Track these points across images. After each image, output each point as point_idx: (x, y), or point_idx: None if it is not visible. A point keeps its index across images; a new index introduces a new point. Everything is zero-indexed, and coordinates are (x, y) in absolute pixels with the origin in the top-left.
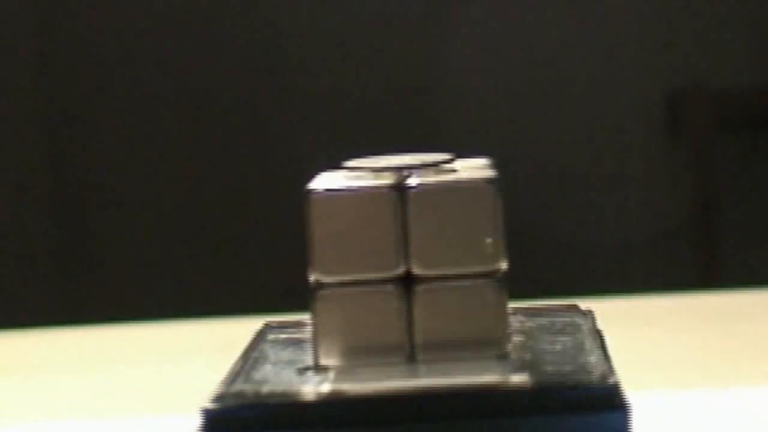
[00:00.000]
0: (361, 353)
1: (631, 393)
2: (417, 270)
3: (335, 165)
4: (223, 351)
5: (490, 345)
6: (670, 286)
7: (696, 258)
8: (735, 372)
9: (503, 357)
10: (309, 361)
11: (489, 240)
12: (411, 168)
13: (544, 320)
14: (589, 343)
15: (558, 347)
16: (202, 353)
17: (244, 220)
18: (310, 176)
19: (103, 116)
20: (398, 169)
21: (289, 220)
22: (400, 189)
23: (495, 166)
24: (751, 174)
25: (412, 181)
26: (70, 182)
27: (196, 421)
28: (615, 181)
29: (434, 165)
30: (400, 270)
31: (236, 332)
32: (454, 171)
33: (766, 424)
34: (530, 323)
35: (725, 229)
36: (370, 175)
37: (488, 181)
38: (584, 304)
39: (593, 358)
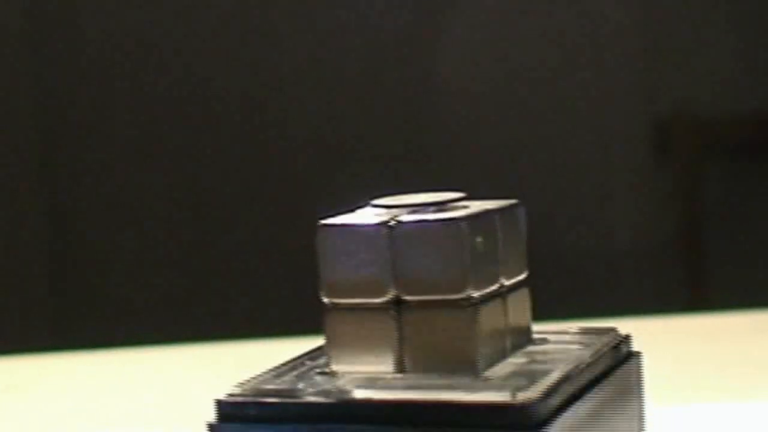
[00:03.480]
0: (359, 362)
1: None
2: (404, 296)
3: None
4: (221, 374)
5: (464, 364)
6: (658, 307)
7: (683, 279)
8: (724, 389)
9: (475, 375)
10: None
11: (479, 239)
12: (414, 207)
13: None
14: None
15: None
16: (199, 376)
17: (243, 248)
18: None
19: (104, 136)
20: (400, 208)
21: (286, 251)
22: (388, 227)
23: (516, 207)
24: (736, 197)
25: (399, 219)
26: (68, 207)
27: None
28: (604, 204)
29: (444, 203)
30: (391, 295)
31: (236, 355)
32: (464, 208)
33: None
34: (545, 346)
35: (711, 251)
36: (372, 212)
37: (460, 220)
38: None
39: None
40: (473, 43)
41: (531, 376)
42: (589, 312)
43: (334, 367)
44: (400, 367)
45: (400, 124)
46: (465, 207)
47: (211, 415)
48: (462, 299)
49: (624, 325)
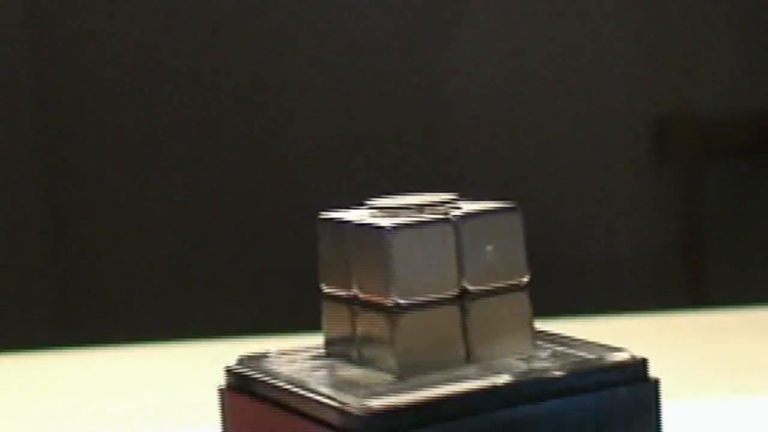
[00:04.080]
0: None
1: None
2: (398, 298)
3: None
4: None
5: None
6: (658, 306)
7: (683, 279)
8: (724, 387)
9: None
10: None
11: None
12: (409, 208)
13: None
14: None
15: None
16: (202, 372)
17: (245, 245)
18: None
19: (106, 130)
20: (391, 209)
21: (289, 249)
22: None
23: (513, 208)
24: (736, 197)
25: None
26: (69, 206)
27: None
28: (604, 204)
29: (439, 205)
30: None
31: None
32: (458, 209)
33: None
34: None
35: (712, 251)
36: (365, 212)
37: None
38: (574, 323)
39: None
40: (473, 44)
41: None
42: (588, 311)
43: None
44: (360, 360)
45: (401, 125)
46: (457, 208)
47: (213, 411)
48: (389, 305)
49: (624, 324)
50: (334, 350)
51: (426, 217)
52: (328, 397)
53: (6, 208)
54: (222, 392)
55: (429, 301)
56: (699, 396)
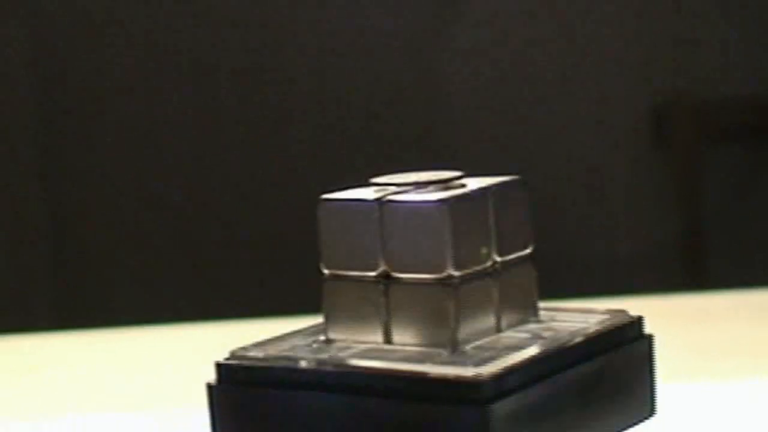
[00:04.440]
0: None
1: None
2: (392, 272)
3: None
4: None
5: (444, 338)
6: (657, 291)
7: (682, 264)
8: (722, 369)
9: (454, 350)
10: None
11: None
12: (411, 186)
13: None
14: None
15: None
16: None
17: (245, 226)
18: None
19: (105, 109)
20: (398, 186)
21: (290, 230)
22: (380, 204)
23: (515, 183)
24: (735, 182)
25: (389, 198)
26: (68, 182)
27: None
28: (602, 191)
29: (442, 182)
30: (380, 270)
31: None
32: (462, 186)
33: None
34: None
35: (712, 237)
36: (371, 190)
37: (441, 201)
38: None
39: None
40: (471, 28)
41: (503, 353)
42: (588, 292)
43: (330, 336)
44: (388, 338)
45: (402, 107)
46: (462, 186)
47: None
48: (443, 279)
49: (623, 306)
50: (344, 332)
51: (462, 191)
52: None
53: (6, 188)
54: (211, 388)
55: (472, 273)
56: (697, 378)
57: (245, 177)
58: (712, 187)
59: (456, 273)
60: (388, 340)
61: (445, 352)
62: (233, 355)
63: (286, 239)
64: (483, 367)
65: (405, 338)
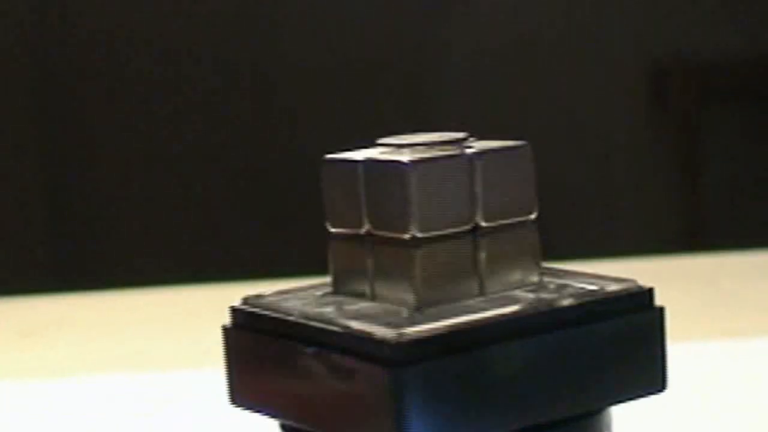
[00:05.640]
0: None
1: None
2: (373, 230)
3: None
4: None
5: (407, 298)
6: (657, 250)
7: (682, 223)
8: (722, 328)
9: (417, 309)
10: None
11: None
12: (422, 144)
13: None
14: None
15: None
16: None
17: (248, 188)
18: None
19: (105, 77)
20: (408, 146)
21: (294, 190)
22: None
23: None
24: (735, 141)
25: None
26: (67, 144)
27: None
28: (603, 151)
29: (452, 142)
30: (365, 228)
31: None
32: (470, 147)
33: (751, 373)
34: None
35: (709, 195)
36: (376, 151)
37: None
38: (571, 266)
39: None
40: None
41: (453, 316)
42: (586, 255)
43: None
44: (373, 296)
45: (403, 74)
46: (469, 147)
47: (218, 354)
48: (408, 240)
49: (623, 267)
50: (343, 288)
51: (442, 152)
52: (356, 329)
53: (5, 151)
54: (227, 331)
55: (445, 235)
56: (695, 337)
57: (251, 134)
58: (710, 144)
59: (420, 234)
60: (373, 297)
61: (405, 311)
62: (246, 301)
63: (293, 201)
64: (408, 328)
65: (384, 294)
